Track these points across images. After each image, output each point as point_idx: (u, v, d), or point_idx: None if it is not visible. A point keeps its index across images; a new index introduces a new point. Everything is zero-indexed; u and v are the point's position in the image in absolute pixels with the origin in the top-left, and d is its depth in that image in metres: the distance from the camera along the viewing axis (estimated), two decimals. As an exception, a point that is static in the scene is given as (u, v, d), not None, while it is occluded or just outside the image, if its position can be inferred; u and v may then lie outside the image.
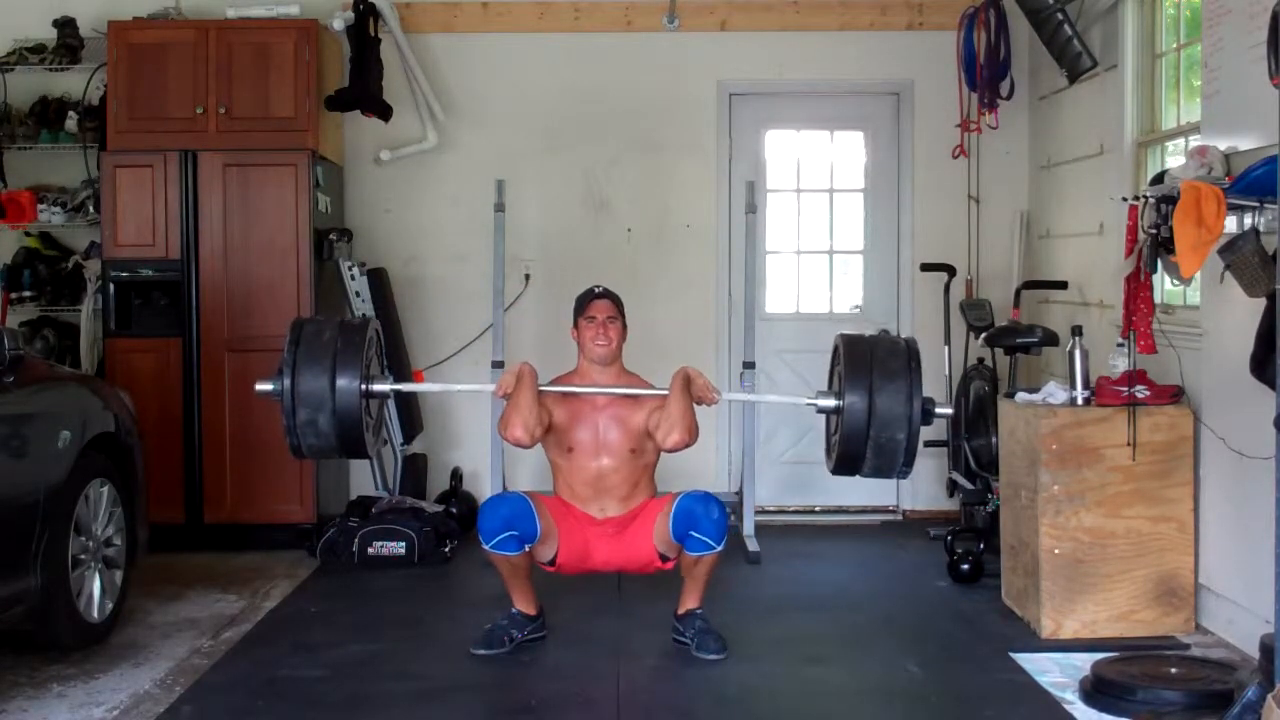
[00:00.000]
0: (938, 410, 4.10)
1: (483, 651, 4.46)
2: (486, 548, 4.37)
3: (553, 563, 4.50)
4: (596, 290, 4.61)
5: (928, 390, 6.62)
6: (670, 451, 4.42)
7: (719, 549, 4.37)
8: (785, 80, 6.85)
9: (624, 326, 4.58)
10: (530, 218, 6.63)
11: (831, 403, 4.14)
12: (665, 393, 4.39)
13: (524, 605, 4.56)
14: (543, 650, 4.55)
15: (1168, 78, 5.31)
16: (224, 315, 6.07)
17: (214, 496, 6.07)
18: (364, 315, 4.29)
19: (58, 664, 4.35)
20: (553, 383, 4.52)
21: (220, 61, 6.07)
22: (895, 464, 4.05)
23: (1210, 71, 4.58)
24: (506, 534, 4.33)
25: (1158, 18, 5.37)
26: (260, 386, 4.14)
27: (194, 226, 6.07)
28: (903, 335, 4.22)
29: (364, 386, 4.10)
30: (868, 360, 4.05)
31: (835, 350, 4.25)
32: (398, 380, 6.32)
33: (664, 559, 4.48)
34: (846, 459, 4.09)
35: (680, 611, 4.55)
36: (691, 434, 4.34)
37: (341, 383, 4.05)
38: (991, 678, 4.24)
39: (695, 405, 4.40)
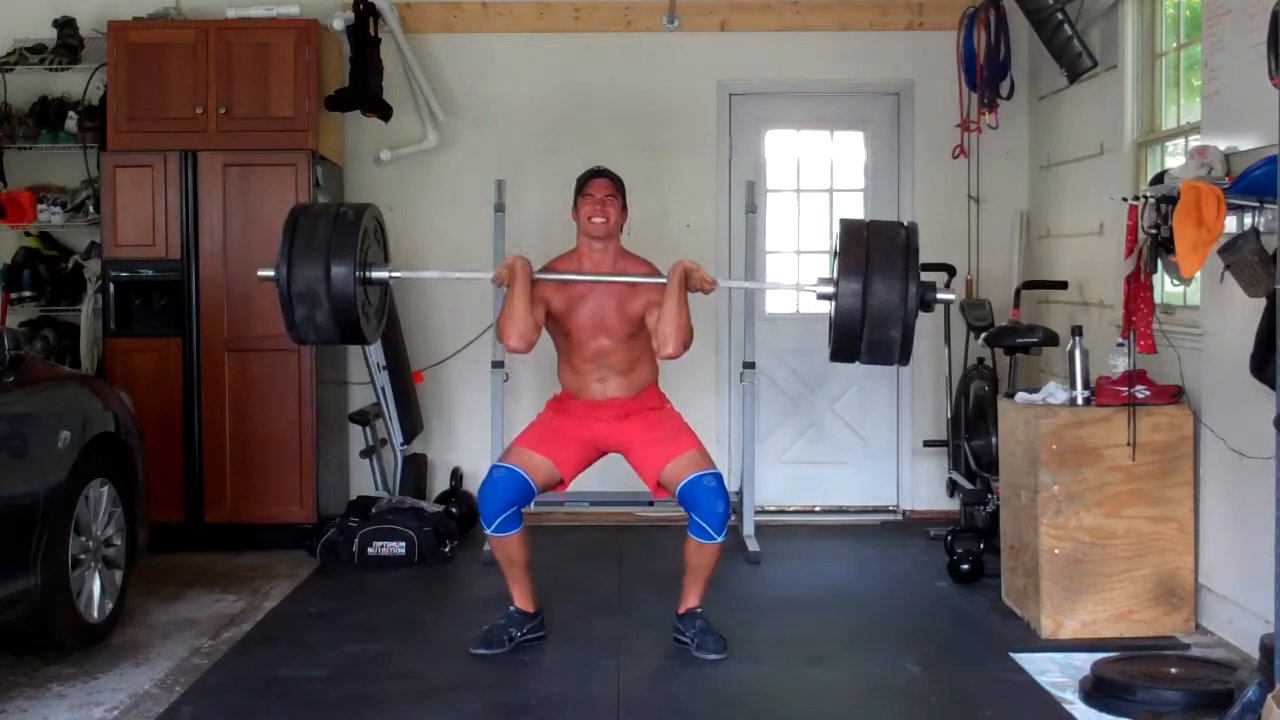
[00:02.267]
0: (939, 296, 4.04)
1: (482, 651, 4.46)
2: (489, 531, 4.42)
3: (562, 482, 4.53)
4: (596, 168, 4.61)
5: (927, 389, 6.77)
6: (666, 359, 4.41)
7: (719, 540, 4.39)
8: (785, 80, 6.85)
9: (624, 206, 4.56)
10: (530, 218, 6.62)
11: (829, 289, 4.06)
12: (663, 281, 4.35)
13: (522, 603, 4.56)
14: (543, 650, 4.55)
15: (1168, 77, 5.31)
16: (224, 315, 6.07)
17: (214, 496, 6.07)
18: (364, 205, 4.30)
19: (58, 664, 4.35)
20: (552, 264, 4.51)
21: (220, 61, 6.07)
22: (892, 352, 3.99)
23: (1210, 71, 4.58)
24: (507, 513, 4.38)
25: (1158, 17, 5.38)
26: (261, 273, 4.15)
27: (194, 226, 6.07)
28: (905, 224, 4.14)
29: (360, 274, 4.10)
30: (864, 247, 3.98)
31: (837, 237, 4.18)
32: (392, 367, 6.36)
33: (661, 488, 4.49)
34: (843, 346, 4.04)
35: (681, 610, 4.55)
36: (685, 344, 4.30)
37: (337, 270, 4.04)
38: (991, 678, 4.24)
39: (694, 294, 4.36)
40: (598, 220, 4.46)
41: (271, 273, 4.09)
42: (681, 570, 4.55)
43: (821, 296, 4.13)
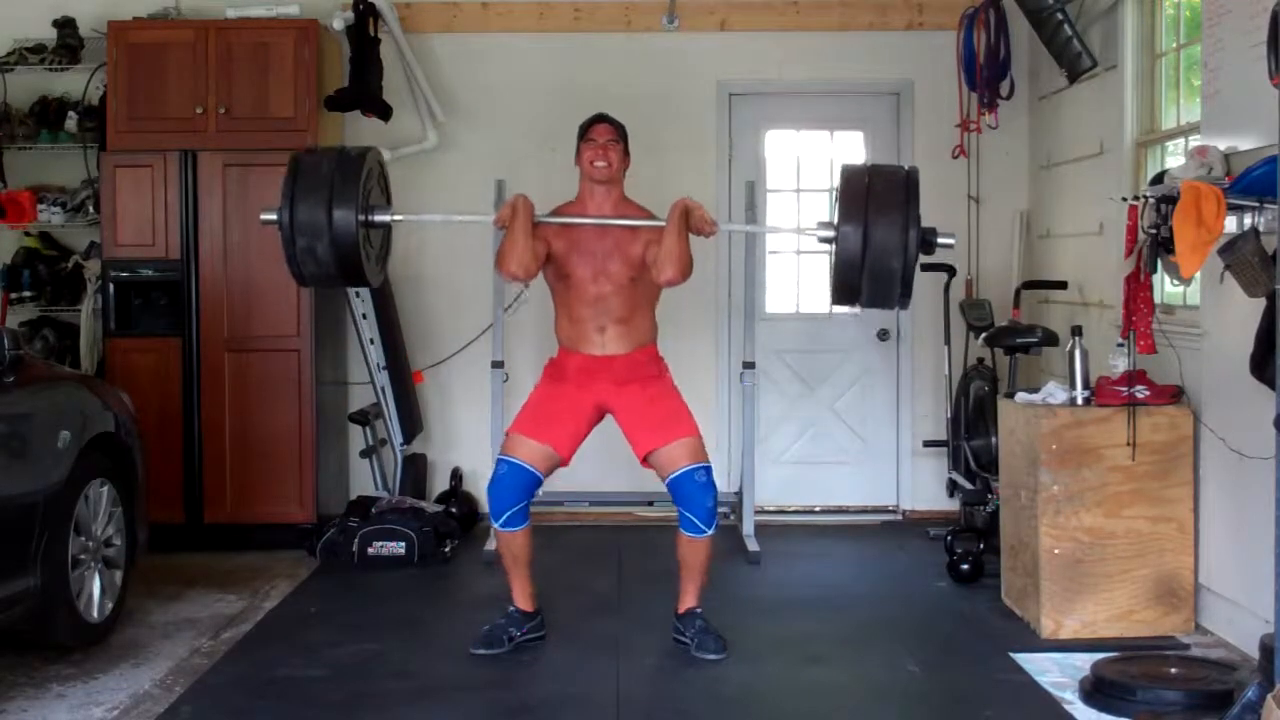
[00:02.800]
0: (940, 240, 4.05)
1: (482, 651, 4.46)
2: (497, 526, 4.46)
3: (563, 462, 4.53)
4: (598, 114, 4.61)
5: (927, 389, 6.76)
6: (665, 286, 4.44)
7: (708, 534, 4.43)
8: (785, 80, 6.85)
9: (625, 152, 4.57)
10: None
11: (830, 232, 4.07)
12: (663, 224, 4.38)
13: (522, 601, 4.57)
14: (543, 650, 4.55)
15: (1168, 78, 5.31)
16: (224, 315, 6.07)
17: (214, 496, 6.07)
18: (366, 147, 4.36)
19: (57, 664, 4.35)
20: (554, 212, 4.54)
21: (220, 61, 6.07)
22: (892, 294, 4.01)
23: (1210, 71, 4.58)
24: (515, 508, 4.42)
25: (1158, 18, 5.37)
26: (264, 216, 4.16)
27: (194, 226, 6.07)
28: (905, 166, 4.16)
29: (362, 216, 4.12)
30: (865, 190, 3.99)
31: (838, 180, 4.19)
32: (392, 363, 6.36)
33: (647, 463, 4.51)
34: (843, 288, 4.05)
35: (680, 610, 4.56)
36: (684, 271, 4.34)
37: (338, 213, 4.06)
38: (991, 678, 4.24)
39: (694, 236, 4.40)
40: (600, 165, 4.48)
41: (274, 215, 4.11)
42: (678, 569, 4.56)
43: (823, 239, 4.15)
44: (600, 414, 4.56)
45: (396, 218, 4.37)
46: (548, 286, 4.63)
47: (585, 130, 4.57)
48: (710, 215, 4.43)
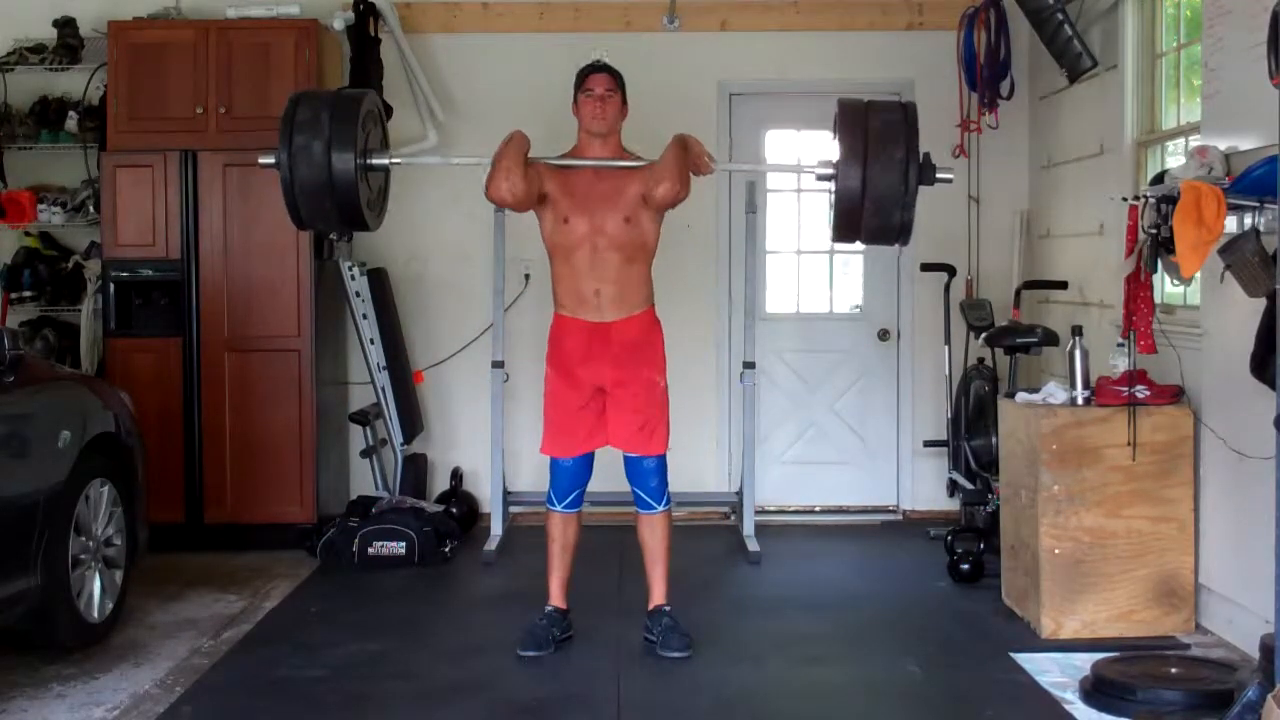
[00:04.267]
0: (939, 174, 4.05)
1: (532, 653, 4.45)
2: (559, 508, 4.57)
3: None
4: (596, 63, 4.57)
5: (927, 389, 6.76)
6: (662, 204, 4.44)
7: (660, 509, 4.54)
8: (785, 80, 6.85)
9: (624, 101, 4.55)
10: (530, 217, 6.58)
11: (829, 170, 4.08)
12: (656, 161, 4.44)
13: (560, 599, 4.61)
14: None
15: (1168, 77, 5.31)
16: (224, 315, 6.07)
17: (214, 496, 6.07)
18: (363, 90, 4.39)
19: (58, 664, 4.35)
20: (557, 157, 4.58)
21: (220, 61, 6.07)
22: (892, 231, 4.03)
23: (1210, 71, 4.58)
24: (576, 491, 4.56)
25: (1158, 17, 5.37)
26: (262, 160, 4.18)
27: (194, 226, 6.07)
28: (904, 102, 4.19)
29: (360, 161, 4.13)
30: (864, 125, 4.00)
31: (835, 117, 4.19)
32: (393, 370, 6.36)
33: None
34: (845, 225, 4.06)
35: (650, 607, 4.58)
36: (682, 182, 4.38)
37: (337, 155, 4.07)
38: (991, 678, 4.24)
39: (692, 171, 4.45)
40: (597, 118, 4.47)
41: (272, 159, 4.12)
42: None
43: (821, 177, 4.17)
44: (604, 395, 4.58)
45: (395, 160, 4.41)
46: (545, 248, 4.61)
47: (582, 80, 4.53)
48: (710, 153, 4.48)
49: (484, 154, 6.93)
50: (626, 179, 4.48)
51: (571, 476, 4.56)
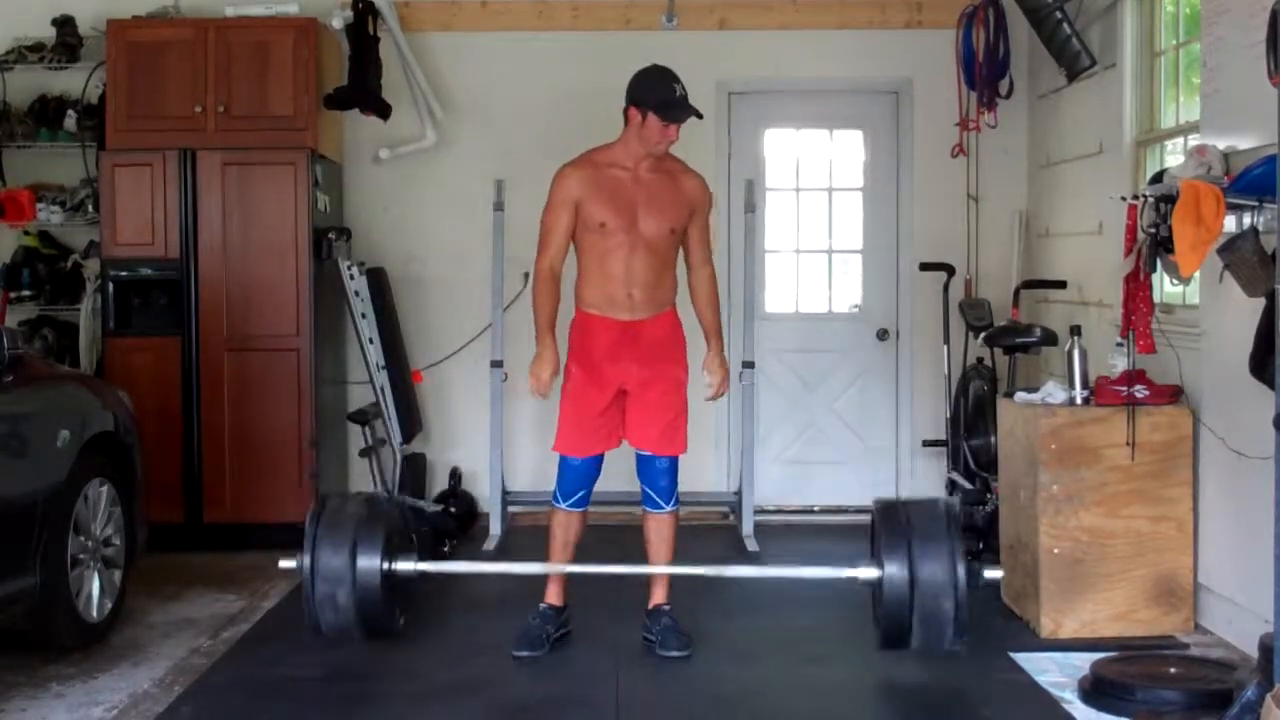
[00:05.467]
0: (986, 573, 4.03)
1: (526, 654, 4.42)
2: (565, 506, 4.52)
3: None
4: (681, 94, 4.45)
5: (927, 389, 6.76)
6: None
7: (668, 509, 4.52)
8: (784, 79, 6.85)
9: None
10: (530, 217, 6.56)
11: (874, 573, 4.05)
12: (700, 208, 4.54)
13: (557, 596, 4.58)
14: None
15: (1167, 76, 5.31)
16: (223, 314, 6.06)
17: (214, 496, 6.07)
18: (388, 496, 4.40)
19: (57, 663, 4.34)
20: (590, 155, 4.53)
21: (219, 60, 6.06)
22: (944, 636, 3.97)
23: (1209, 70, 4.58)
24: (583, 490, 4.52)
25: (1157, 16, 5.37)
26: (283, 564, 4.20)
27: (193, 225, 6.07)
28: (943, 500, 4.32)
29: (385, 565, 4.13)
30: (905, 526, 4.01)
31: (872, 518, 4.24)
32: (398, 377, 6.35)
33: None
34: (892, 634, 4.04)
35: (649, 606, 4.56)
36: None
37: (362, 562, 4.08)
38: (991, 678, 4.24)
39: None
40: (661, 147, 4.46)
41: (294, 563, 4.14)
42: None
43: (865, 582, 4.14)
44: (623, 395, 4.55)
45: (421, 567, 4.32)
46: (574, 244, 4.54)
47: (665, 106, 4.41)
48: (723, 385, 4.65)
49: (483, 152, 6.92)
50: (676, 190, 4.50)
51: (582, 476, 4.51)
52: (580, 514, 4.57)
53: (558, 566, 4.54)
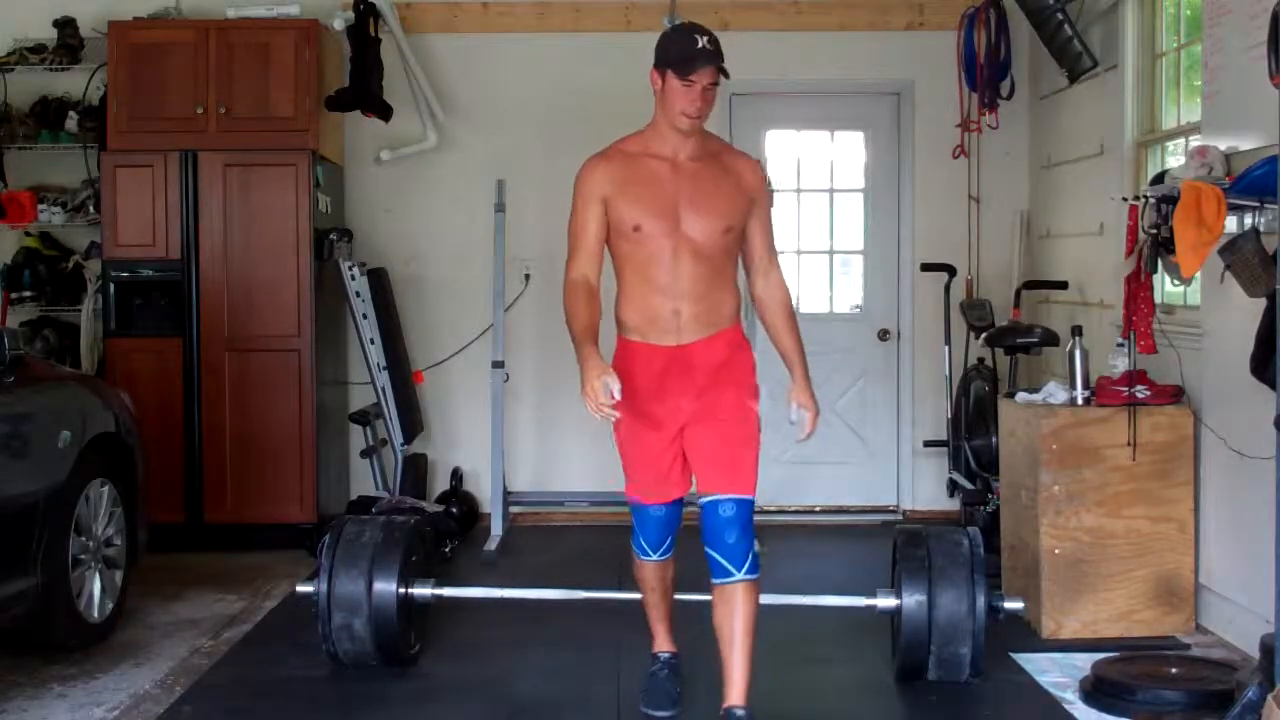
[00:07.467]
0: (1005, 604, 4.07)
1: (665, 714, 3.84)
2: (654, 558, 3.84)
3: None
4: (704, 45, 3.48)
5: (927, 389, 6.75)
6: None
7: (742, 576, 3.52)
8: (786, 80, 6.85)
9: (717, 83, 3.53)
10: (530, 218, 6.62)
11: (892, 603, 4.06)
12: (760, 196, 3.68)
13: (666, 642, 4.03)
14: (543, 650, 4.54)
15: (1168, 77, 5.31)
16: (224, 315, 6.07)
17: (214, 496, 6.07)
18: (408, 519, 4.39)
19: (58, 664, 4.35)
20: (619, 145, 3.67)
21: (220, 61, 6.07)
22: (962, 671, 4.00)
23: (1210, 71, 4.58)
24: (668, 539, 3.83)
25: (1158, 17, 5.37)
26: (301, 588, 4.22)
27: (194, 226, 6.07)
28: (968, 530, 4.19)
29: (403, 590, 4.13)
30: (926, 559, 4.02)
31: (894, 545, 4.24)
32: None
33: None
34: (909, 667, 4.07)
35: (724, 705, 3.56)
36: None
37: (379, 586, 4.10)
38: (991, 678, 4.23)
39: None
40: (690, 116, 3.52)
41: (310, 588, 4.14)
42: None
43: (883, 611, 4.13)
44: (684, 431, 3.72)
45: (439, 592, 4.32)
46: (611, 256, 3.68)
47: (685, 61, 3.48)
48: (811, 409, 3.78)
49: (484, 153, 6.92)
50: (728, 179, 3.62)
51: (663, 525, 3.77)
52: (671, 560, 3.89)
53: (654, 613, 4.00)
